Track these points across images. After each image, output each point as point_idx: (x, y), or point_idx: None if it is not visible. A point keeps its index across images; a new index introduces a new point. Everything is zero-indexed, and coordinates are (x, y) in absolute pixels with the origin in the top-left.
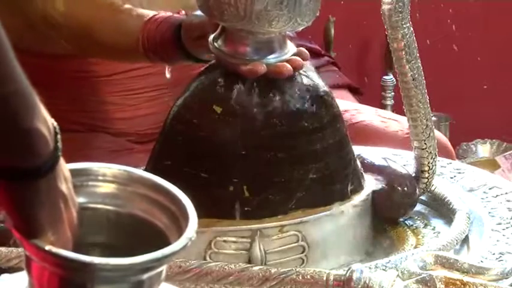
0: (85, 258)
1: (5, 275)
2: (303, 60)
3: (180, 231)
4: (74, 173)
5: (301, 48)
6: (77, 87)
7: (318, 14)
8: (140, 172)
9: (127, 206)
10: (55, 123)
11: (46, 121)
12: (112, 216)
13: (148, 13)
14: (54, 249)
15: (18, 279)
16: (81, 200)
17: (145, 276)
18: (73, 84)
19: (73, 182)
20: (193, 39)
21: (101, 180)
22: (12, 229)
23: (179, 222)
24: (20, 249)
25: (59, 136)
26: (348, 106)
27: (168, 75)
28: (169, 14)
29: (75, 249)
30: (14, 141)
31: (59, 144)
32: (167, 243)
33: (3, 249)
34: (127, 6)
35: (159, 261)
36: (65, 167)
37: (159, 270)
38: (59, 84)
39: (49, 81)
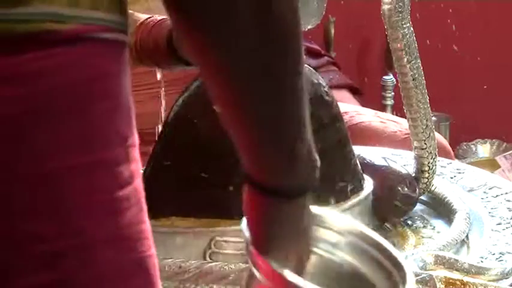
0: None
1: None
2: None
3: None
4: None
5: None
6: None
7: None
8: (366, 229)
9: (349, 259)
10: (317, 158)
11: (311, 153)
12: (332, 265)
13: (142, 16)
14: (291, 275)
15: None
16: None
17: None
18: None
19: None
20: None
21: (327, 228)
22: (250, 244)
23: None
24: None
25: (317, 170)
26: (348, 108)
27: (159, 75)
28: (162, 17)
29: None
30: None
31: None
32: None
33: None
34: None
35: None
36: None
37: None
38: None
39: None
